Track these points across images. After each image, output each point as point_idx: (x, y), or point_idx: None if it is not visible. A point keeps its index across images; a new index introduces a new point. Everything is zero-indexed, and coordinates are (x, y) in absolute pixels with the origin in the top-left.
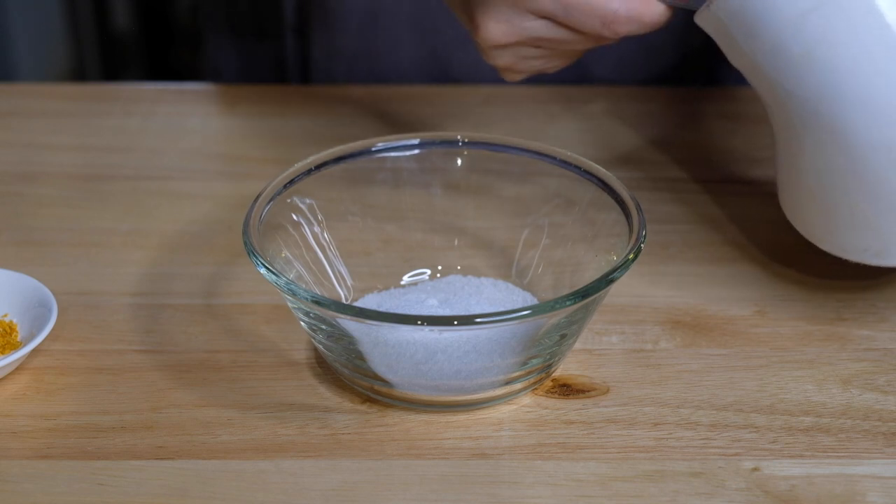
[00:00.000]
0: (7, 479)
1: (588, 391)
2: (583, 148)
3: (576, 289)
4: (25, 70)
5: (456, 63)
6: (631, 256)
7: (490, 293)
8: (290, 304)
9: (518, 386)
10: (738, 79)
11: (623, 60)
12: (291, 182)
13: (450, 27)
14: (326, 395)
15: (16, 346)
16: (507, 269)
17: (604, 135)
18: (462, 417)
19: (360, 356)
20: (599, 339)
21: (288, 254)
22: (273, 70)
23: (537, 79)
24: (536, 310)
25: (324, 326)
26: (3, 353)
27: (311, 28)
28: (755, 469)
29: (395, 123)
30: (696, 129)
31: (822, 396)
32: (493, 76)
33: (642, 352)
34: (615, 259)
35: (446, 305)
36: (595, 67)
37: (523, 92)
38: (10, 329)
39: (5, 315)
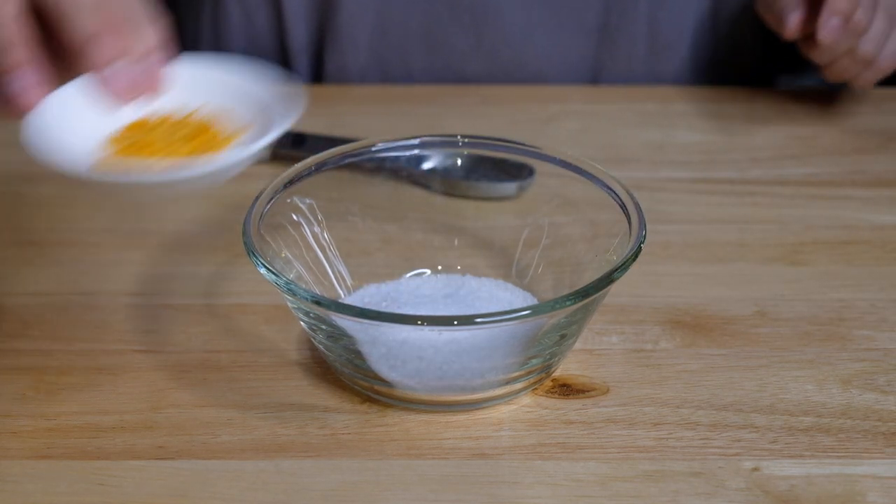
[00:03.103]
0: (7, 479)
1: (588, 391)
2: (583, 148)
3: (576, 289)
4: None
5: (470, 75)
6: (631, 256)
7: (490, 293)
8: (289, 304)
9: (518, 386)
10: (737, 79)
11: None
12: (291, 182)
13: (461, 40)
14: (326, 395)
15: (218, 144)
16: (507, 269)
17: (604, 135)
18: (462, 417)
19: (359, 356)
20: (599, 339)
21: (288, 254)
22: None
23: (537, 78)
24: (536, 310)
25: (324, 326)
26: (195, 154)
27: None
28: (755, 469)
29: (398, 124)
30: (696, 129)
31: (822, 396)
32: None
33: (642, 352)
34: (615, 259)
35: (449, 299)
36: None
37: (523, 92)
38: (204, 128)
39: (199, 108)
